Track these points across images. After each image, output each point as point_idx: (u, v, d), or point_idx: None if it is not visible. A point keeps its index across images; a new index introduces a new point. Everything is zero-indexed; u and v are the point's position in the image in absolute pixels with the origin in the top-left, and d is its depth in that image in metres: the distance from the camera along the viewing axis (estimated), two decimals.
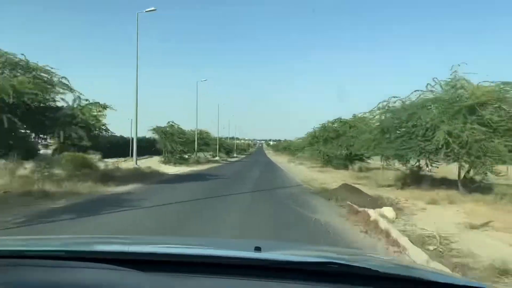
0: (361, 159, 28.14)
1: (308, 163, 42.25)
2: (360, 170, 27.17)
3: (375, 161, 24.92)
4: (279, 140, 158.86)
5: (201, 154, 48.27)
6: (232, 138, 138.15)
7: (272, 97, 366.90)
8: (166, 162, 32.61)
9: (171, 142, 33.12)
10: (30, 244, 1.76)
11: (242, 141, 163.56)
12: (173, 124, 35.37)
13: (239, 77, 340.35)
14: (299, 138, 55.23)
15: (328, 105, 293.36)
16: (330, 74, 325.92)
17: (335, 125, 31.83)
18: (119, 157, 35.16)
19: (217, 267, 1.47)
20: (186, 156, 36.86)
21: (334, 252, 2.35)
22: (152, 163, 28.71)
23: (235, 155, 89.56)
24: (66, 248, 1.58)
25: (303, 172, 29.40)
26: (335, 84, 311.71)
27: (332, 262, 1.53)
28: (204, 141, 45.61)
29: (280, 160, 61.36)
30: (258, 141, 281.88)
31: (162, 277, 1.30)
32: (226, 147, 73.91)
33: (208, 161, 43.17)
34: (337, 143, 29.10)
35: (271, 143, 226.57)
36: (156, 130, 33.75)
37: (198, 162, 39.97)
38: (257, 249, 1.66)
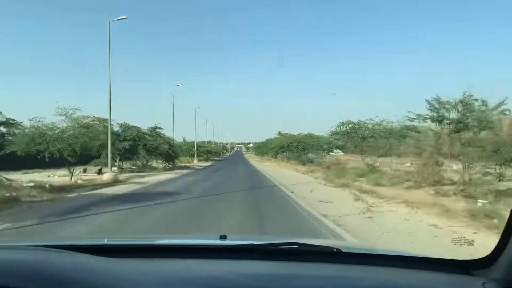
0: None
1: None
2: None
3: None
4: (257, 143, 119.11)
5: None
6: (210, 141, 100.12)
7: (248, 100, 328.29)
8: None
9: None
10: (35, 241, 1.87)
11: (218, 143, 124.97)
12: None
13: (217, 83, 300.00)
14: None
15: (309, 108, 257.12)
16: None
17: None
18: None
19: (188, 252, 1.57)
20: None
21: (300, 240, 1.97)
22: None
23: (195, 161, 52.28)
24: (57, 243, 1.63)
25: None
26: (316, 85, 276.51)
27: (293, 242, 1.55)
28: None
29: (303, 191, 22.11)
30: (236, 145, 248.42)
31: (141, 262, 1.36)
32: (166, 150, 34.95)
33: None
34: None
35: (251, 145, 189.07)
36: None
37: None
38: (223, 237, 1.78)
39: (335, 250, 1.50)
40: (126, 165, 34.51)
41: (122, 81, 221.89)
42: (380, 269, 1.37)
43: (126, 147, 27.32)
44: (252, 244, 1.61)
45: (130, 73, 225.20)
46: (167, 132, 40.68)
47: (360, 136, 20.61)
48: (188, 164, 44.07)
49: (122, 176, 22.70)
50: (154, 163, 37.21)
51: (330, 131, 22.34)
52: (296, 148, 38.14)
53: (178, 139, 60.96)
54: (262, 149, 76.38)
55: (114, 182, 19.22)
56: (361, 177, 18.64)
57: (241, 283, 1.12)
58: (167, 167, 36.31)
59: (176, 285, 1.07)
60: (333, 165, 25.89)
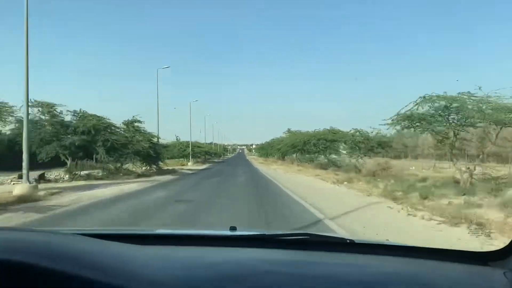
0: None
1: None
2: None
3: None
4: (260, 144, 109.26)
5: None
6: (210, 143, 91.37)
7: (251, 102, 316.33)
8: None
9: None
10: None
11: (219, 145, 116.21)
12: None
13: (217, 84, 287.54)
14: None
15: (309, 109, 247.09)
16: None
17: None
18: None
19: (201, 241, 1.62)
20: None
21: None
22: None
23: (189, 164, 44.58)
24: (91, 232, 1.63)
25: None
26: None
27: (304, 233, 1.53)
28: None
29: None
30: (238, 146, 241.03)
31: (157, 249, 1.38)
32: (145, 150, 26.64)
33: None
34: None
35: (254, 146, 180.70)
36: None
37: None
38: (233, 228, 1.73)
39: (348, 241, 1.49)
40: (90, 168, 26.27)
41: (123, 80, 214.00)
42: (396, 259, 1.35)
43: (76, 144, 18.81)
44: (264, 234, 1.65)
45: (129, 72, 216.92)
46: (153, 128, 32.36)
47: (459, 119, 11.60)
48: (177, 168, 35.55)
49: (54, 188, 14.27)
50: (131, 166, 28.77)
51: (398, 114, 13.23)
52: (315, 147, 29.42)
53: (171, 138, 52.80)
54: (266, 150, 67.52)
55: (17, 201, 10.79)
56: (464, 194, 10.09)
57: (258, 268, 1.14)
58: (147, 172, 27.95)
59: (195, 269, 1.10)
60: (380, 171, 17.34)
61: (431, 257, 1.33)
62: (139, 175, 24.75)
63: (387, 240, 2.71)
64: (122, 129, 27.49)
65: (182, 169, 34.13)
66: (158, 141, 31.89)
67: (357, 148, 22.39)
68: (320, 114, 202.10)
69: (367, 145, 21.98)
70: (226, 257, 1.30)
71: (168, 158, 52.80)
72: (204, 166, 42.29)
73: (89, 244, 1.18)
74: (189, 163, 46.49)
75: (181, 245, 1.51)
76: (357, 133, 22.75)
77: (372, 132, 21.82)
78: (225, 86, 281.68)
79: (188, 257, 1.30)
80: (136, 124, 28.36)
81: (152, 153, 28.07)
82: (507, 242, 4.66)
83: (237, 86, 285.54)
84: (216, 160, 69.43)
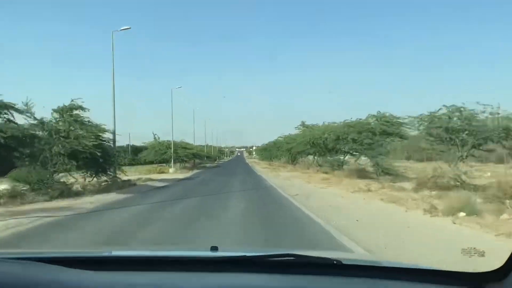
0: None
1: None
2: None
3: None
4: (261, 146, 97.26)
5: None
6: (207, 146, 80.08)
7: (251, 101, 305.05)
8: None
9: None
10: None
11: (216, 147, 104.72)
12: None
13: (214, 84, 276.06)
14: None
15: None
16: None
17: None
18: None
19: (175, 264, 1.43)
20: None
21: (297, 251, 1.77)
22: None
23: (170, 170, 34.86)
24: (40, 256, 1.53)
25: None
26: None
27: (289, 254, 1.41)
28: None
29: None
30: (237, 149, 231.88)
31: (117, 274, 1.26)
32: (88, 150, 15.95)
33: None
34: None
35: (254, 148, 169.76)
36: None
37: None
38: (214, 248, 1.63)
39: (335, 262, 1.38)
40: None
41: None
42: (384, 282, 1.28)
43: None
44: (246, 256, 1.50)
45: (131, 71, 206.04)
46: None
47: None
48: (149, 177, 25.01)
49: None
50: (67, 177, 18.17)
51: None
52: (355, 145, 18.62)
53: (148, 137, 42.19)
54: (270, 151, 56.58)
55: None
56: None
57: None
58: (92, 185, 17.57)
59: None
60: None
61: (423, 280, 1.26)
62: (61, 194, 14.37)
63: None
64: (54, 119, 17.33)
65: (153, 179, 23.47)
66: (114, 140, 21.36)
67: (456, 141, 11.81)
68: (321, 113, 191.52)
69: (478, 136, 11.32)
70: (203, 285, 1.21)
71: (143, 163, 42.09)
72: (188, 174, 31.70)
73: (41, 273, 1.10)
74: (171, 170, 35.51)
75: (152, 270, 1.33)
76: (456, 113, 12.38)
77: (484, 110, 11.53)
78: (224, 88, 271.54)
79: (155, 285, 1.18)
80: (76, 112, 17.97)
81: (98, 156, 17.59)
82: None
83: (237, 87, 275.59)
84: (208, 164, 58.68)
